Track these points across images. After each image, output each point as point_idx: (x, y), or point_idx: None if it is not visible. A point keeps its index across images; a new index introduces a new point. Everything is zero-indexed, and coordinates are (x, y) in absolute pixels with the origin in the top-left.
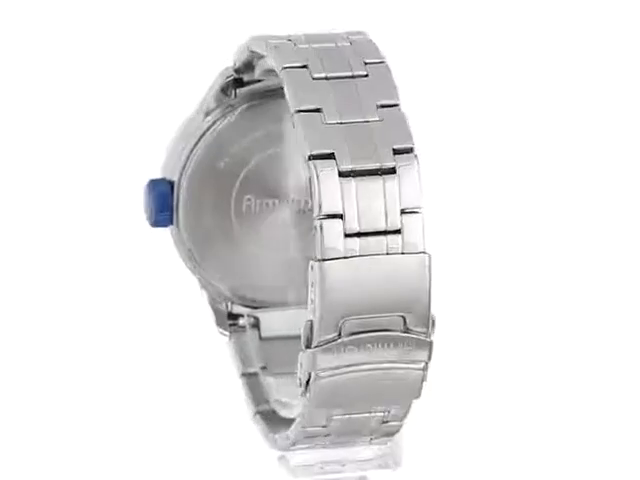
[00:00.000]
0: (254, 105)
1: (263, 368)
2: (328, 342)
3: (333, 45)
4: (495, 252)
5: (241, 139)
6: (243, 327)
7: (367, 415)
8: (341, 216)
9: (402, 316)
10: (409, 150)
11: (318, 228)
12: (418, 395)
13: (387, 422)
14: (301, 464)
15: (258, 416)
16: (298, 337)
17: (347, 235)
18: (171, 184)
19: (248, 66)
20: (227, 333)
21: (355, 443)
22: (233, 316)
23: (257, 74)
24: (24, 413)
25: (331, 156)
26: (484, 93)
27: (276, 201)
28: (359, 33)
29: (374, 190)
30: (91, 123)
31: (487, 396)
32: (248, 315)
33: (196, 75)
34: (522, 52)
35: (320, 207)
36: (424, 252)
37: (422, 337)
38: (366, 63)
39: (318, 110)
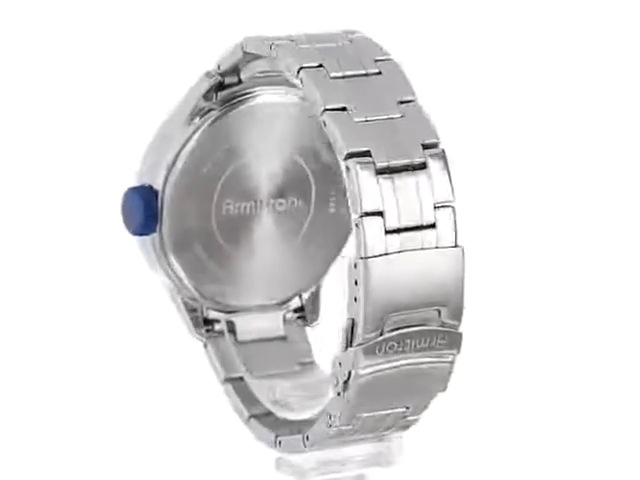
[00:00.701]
0: (234, 108)
1: (247, 371)
2: (370, 340)
3: (335, 45)
4: (499, 249)
5: (222, 144)
6: (220, 332)
7: (391, 411)
8: (381, 213)
9: (438, 310)
10: (436, 145)
11: (360, 226)
12: (445, 388)
13: (406, 417)
14: (301, 465)
15: (253, 419)
16: (274, 339)
17: (387, 232)
18: (154, 191)
19: (234, 69)
20: (203, 339)
21: (367, 440)
22: (209, 322)
23: (244, 77)
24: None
25: (367, 154)
26: (477, 89)
27: (253, 204)
28: (355, 32)
29: (409, 186)
30: (61, 132)
31: (488, 394)
32: (225, 320)
33: (164, 81)
34: (512, 44)
35: (360, 205)
36: (457, 245)
37: (454, 330)
38: (376, 61)
39: (344, 109)
